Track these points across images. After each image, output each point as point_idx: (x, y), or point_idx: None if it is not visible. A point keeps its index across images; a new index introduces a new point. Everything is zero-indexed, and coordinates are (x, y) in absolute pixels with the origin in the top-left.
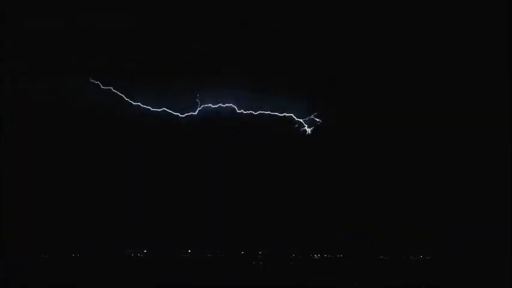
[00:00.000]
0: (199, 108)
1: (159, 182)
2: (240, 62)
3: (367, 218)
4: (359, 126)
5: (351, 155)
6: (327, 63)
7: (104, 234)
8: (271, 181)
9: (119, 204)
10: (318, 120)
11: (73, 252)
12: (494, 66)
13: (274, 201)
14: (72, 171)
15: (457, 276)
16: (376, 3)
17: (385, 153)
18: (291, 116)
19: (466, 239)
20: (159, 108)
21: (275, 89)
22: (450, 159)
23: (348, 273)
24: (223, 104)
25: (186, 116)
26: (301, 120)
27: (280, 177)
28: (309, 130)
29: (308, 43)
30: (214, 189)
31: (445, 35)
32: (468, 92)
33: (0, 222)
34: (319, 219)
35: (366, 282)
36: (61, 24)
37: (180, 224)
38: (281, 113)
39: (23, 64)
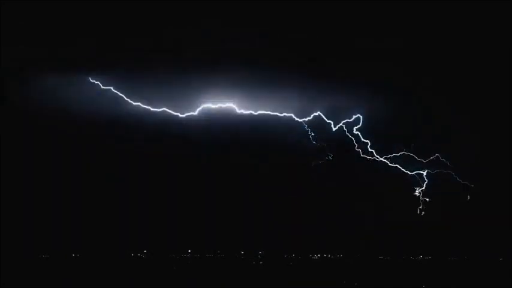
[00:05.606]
0: (199, 109)
1: (159, 182)
2: (241, 61)
3: (367, 218)
4: (359, 127)
5: (351, 155)
6: (326, 62)
7: (104, 234)
8: (271, 181)
9: (119, 204)
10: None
11: (73, 252)
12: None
13: (274, 201)
14: (71, 172)
15: (457, 276)
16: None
17: (383, 153)
18: (291, 116)
19: (466, 239)
20: (159, 108)
21: (275, 89)
22: (450, 159)
23: (348, 273)
24: (223, 104)
25: (186, 116)
26: (300, 120)
27: (280, 177)
28: (311, 132)
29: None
30: (214, 189)
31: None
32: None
33: (0, 222)
34: (319, 219)
35: (366, 282)
36: (61, 24)
37: (180, 224)
38: (281, 113)
39: (23, 63)
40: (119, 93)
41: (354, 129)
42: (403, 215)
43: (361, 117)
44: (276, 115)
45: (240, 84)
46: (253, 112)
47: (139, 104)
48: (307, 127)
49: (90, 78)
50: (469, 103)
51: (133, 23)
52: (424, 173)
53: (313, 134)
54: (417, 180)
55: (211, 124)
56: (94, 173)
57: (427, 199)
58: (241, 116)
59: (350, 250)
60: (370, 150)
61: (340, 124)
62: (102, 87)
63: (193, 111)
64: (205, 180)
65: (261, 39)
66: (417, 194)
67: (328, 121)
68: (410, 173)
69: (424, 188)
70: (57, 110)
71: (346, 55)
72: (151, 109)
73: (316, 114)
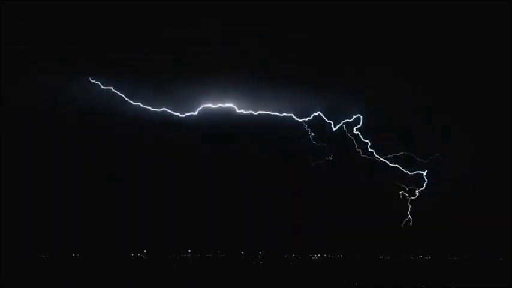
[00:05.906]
0: (199, 108)
1: (159, 182)
2: (241, 61)
3: (367, 218)
4: (359, 127)
5: (351, 155)
6: (327, 62)
7: (104, 234)
8: (270, 181)
9: (119, 204)
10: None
11: (73, 252)
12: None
13: (273, 201)
14: (71, 172)
15: (457, 276)
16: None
17: (383, 153)
18: (291, 116)
19: (466, 239)
20: (159, 108)
21: (275, 89)
22: (450, 158)
23: (348, 273)
24: (223, 104)
25: (186, 116)
26: (300, 120)
27: (280, 177)
28: (311, 132)
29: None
30: (215, 189)
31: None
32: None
33: (0, 222)
34: (319, 219)
35: (366, 282)
36: (61, 24)
37: (180, 224)
38: (281, 113)
39: (23, 63)
40: (118, 93)
41: (354, 129)
42: (403, 215)
43: (361, 117)
44: (276, 115)
45: (240, 84)
46: (253, 112)
47: (139, 104)
48: (307, 127)
49: (90, 78)
50: (469, 103)
51: (133, 23)
52: (424, 173)
53: (313, 134)
54: (417, 180)
55: (211, 124)
56: (94, 173)
57: (427, 199)
58: (241, 116)
59: (350, 250)
60: (370, 150)
61: (340, 124)
62: (102, 87)
63: (193, 111)
64: (205, 180)
65: (261, 39)
66: (417, 194)
67: (328, 121)
68: (410, 173)
69: (424, 188)
70: (57, 110)
71: (346, 55)
72: (151, 109)
73: (316, 114)
